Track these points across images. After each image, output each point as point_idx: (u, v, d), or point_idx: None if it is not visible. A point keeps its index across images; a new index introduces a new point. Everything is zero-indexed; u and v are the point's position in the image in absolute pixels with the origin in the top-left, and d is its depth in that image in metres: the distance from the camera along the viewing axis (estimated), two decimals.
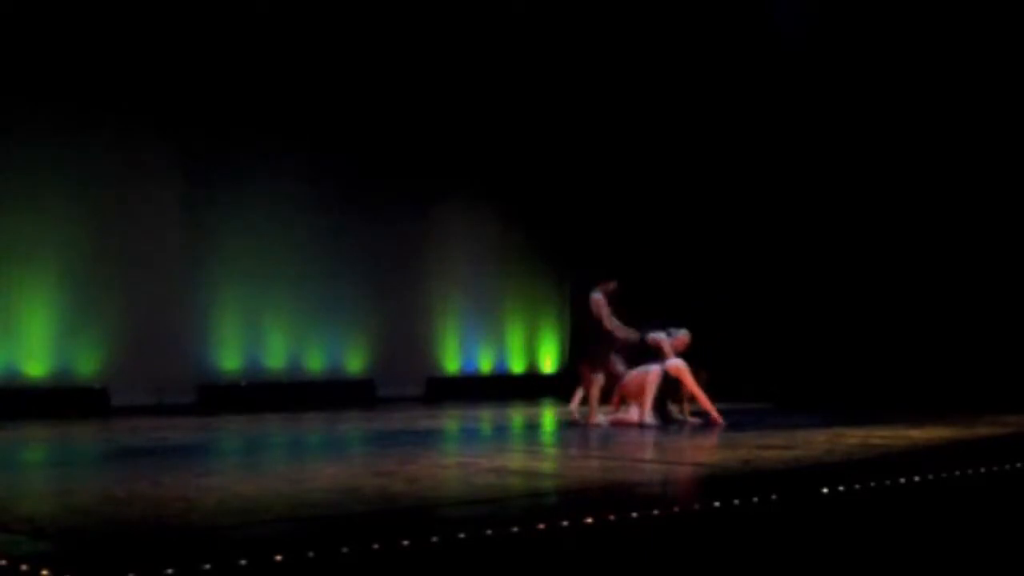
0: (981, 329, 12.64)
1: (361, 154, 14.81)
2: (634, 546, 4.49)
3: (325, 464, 7.14)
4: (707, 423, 10.03)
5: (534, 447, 8.77)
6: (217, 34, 13.68)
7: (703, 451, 7.86)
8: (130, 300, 13.09)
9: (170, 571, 3.69)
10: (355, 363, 14.86)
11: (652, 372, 10.08)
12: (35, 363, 12.46)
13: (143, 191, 13.33)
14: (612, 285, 10.51)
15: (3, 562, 3.85)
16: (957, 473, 6.17)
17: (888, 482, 5.81)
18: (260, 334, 14.06)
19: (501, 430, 10.75)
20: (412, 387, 15.13)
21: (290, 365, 14.26)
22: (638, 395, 10.15)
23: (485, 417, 12.02)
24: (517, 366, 16.46)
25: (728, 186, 14.73)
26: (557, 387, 14.67)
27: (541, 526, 4.61)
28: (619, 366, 10.48)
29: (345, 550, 4.08)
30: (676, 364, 10.16)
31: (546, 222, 16.29)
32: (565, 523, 4.66)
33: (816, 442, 8.12)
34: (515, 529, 4.52)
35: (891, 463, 6.82)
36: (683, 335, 10.49)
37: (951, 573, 4.15)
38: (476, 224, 16.06)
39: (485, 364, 16.19)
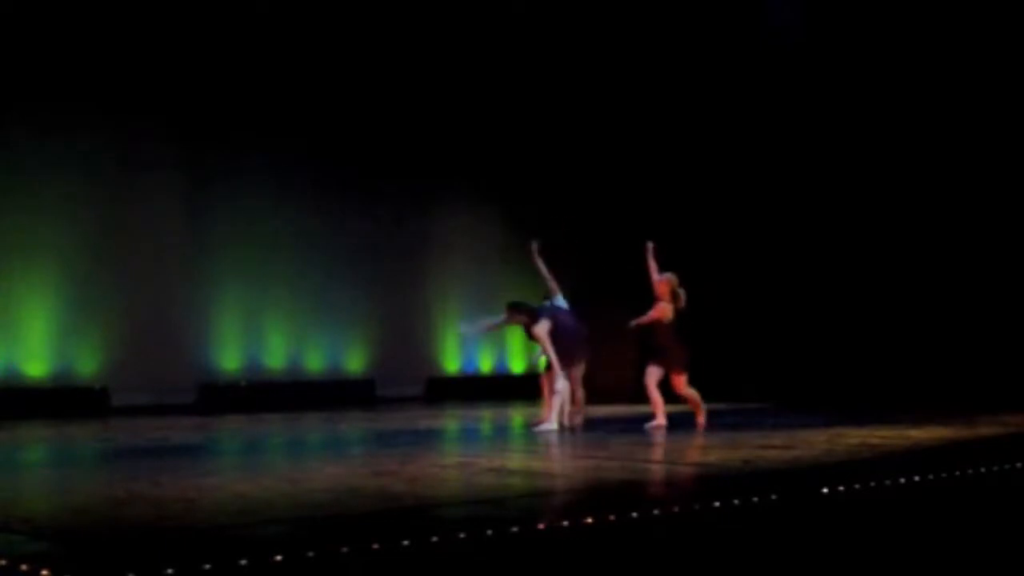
0: (980, 329, 12.63)
1: (361, 154, 14.82)
2: (634, 546, 4.48)
3: (325, 464, 7.14)
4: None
5: (534, 447, 8.76)
6: (218, 33, 13.70)
7: (703, 451, 7.86)
8: (130, 300, 13.11)
9: (170, 571, 3.69)
10: (355, 363, 14.87)
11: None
12: (35, 363, 12.48)
13: (143, 191, 13.35)
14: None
15: (3, 562, 3.85)
16: (957, 473, 6.17)
17: (888, 482, 5.81)
18: (260, 334, 14.08)
19: (501, 430, 10.75)
20: (412, 387, 15.14)
21: (290, 365, 14.28)
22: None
23: (485, 417, 12.02)
24: (517, 366, 16.46)
25: (727, 185, 14.71)
26: None
27: (541, 526, 4.61)
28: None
29: (345, 550, 4.08)
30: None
31: (546, 222, 16.27)
32: (565, 523, 4.66)
33: (816, 442, 8.11)
34: (515, 529, 4.51)
35: (891, 463, 6.82)
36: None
37: (951, 573, 4.15)
38: (476, 224, 16.06)
39: (485, 364, 16.19)
